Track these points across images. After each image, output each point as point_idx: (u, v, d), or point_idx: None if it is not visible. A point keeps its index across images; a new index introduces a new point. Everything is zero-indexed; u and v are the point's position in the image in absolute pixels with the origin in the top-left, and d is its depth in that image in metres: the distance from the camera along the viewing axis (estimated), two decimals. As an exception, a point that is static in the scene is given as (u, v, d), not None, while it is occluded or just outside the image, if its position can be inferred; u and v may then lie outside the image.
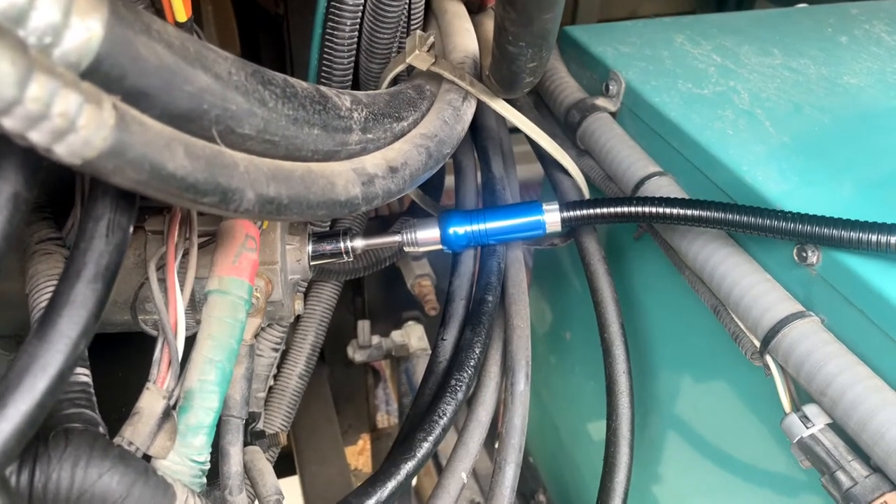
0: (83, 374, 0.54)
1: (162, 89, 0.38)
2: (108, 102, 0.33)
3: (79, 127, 0.31)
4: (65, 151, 0.32)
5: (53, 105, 0.30)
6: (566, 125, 0.96)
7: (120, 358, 0.84)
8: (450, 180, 1.03)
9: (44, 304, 0.55)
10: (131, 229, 0.43)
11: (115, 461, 0.48)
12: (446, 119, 0.66)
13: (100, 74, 0.35)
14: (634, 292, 0.96)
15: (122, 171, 0.34)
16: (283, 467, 1.42)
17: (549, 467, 1.39)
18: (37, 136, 0.31)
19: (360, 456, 1.61)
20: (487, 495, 0.71)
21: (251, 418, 0.83)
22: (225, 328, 0.57)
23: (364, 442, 1.63)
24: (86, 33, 0.33)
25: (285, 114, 0.46)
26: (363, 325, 1.45)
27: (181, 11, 0.58)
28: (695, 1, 2.08)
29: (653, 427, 0.97)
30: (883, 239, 0.59)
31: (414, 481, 1.52)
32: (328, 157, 0.53)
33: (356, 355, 1.47)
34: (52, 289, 0.56)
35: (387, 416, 1.70)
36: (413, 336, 1.47)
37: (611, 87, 0.92)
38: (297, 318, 1.13)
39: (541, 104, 1.04)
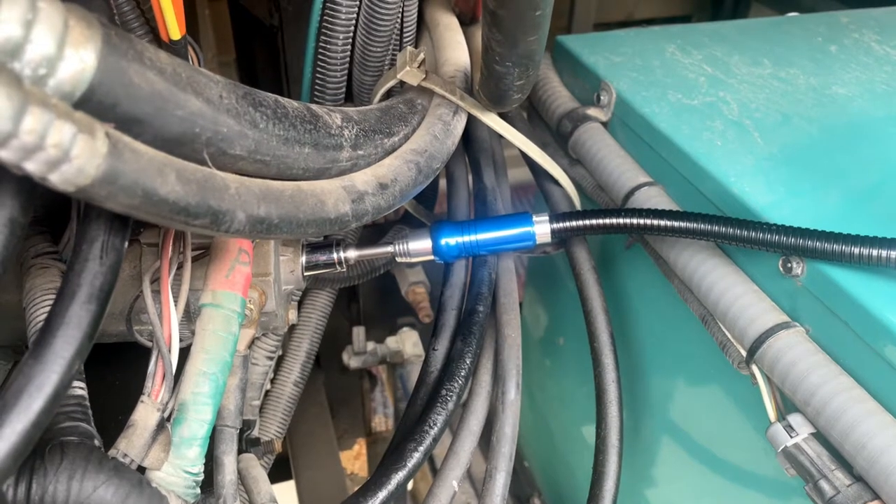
0: (79, 388, 0.55)
1: (154, 115, 0.39)
2: (101, 131, 0.34)
3: (72, 156, 0.33)
4: (59, 180, 0.33)
5: (48, 136, 0.31)
6: (558, 134, 0.97)
7: (116, 366, 0.85)
8: (444, 184, 1.04)
9: (40, 317, 0.56)
10: (125, 249, 0.44)
11: (110, 474, 0.49)
12: (436, 134, 0.67)
13: (93, 103, 0.36)
14: (626, 300, 0.97)
15: (114, 197, 0.35)
16: (279, 472, 1.43)
17: (544, 471, 1.40)
18: (32, 167, 0.32)
19: (355, 460, 1.62)
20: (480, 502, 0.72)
21: (246, 426, 0.84)
22: (218, 341, 0.58)
23: (360, 446, 1.64)
24: (79, 64, 0.34)
25: (276, 134, 0.47)
26: (358, 332, 1.46)
27: (175, 29, 0.59)
28: (691, 4, 2.08)
29: (643, 433, 0.98)
30: (865, 252, 0.60)
31: (410, 485, 1.54)
32: (319, 175, 0.54)
33: (351, 361, 1.48)
34: (48, 303, 0.57)
35: (384, 419, 1.71)
36: (408, 342, 1.48)
37: (602, 97, 0.93)
38: (293, 325, 1.14)
39: (533, 113, 1.05)
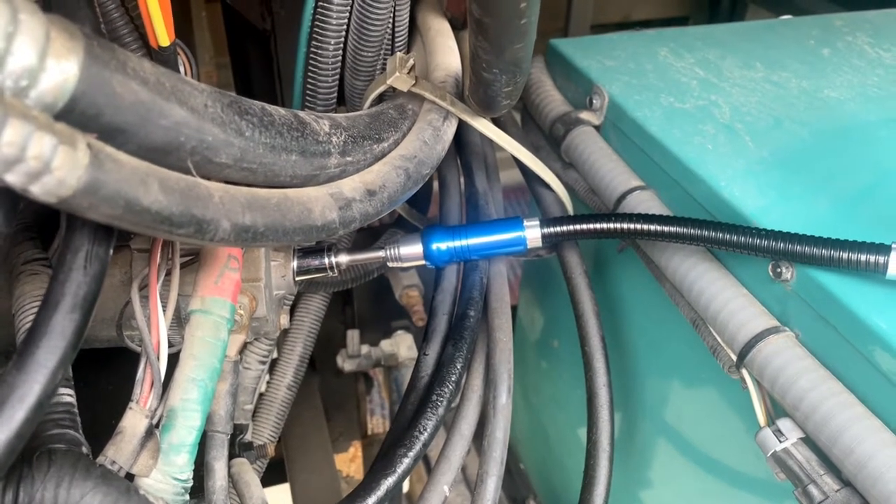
0: (67, 395, 0.55)
1: (138, 125, 0.39)
2: (83, 142, 0.34)
3: (53, 168, 0.33)
4: (40, 191, 0.33)
5: (28, 149, 0.31)
6: (551, 138, 0.97)
7: (108, 372, 0.85)
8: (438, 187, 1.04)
9: (28, 324, 0.56)
10: (109, 258, 0.44)
11: (98, 481, 0.49)
12: (426, 140, 0.67)
13: (76, 113, 0.36)
14: (619, 303, 0.97)
15: (96, 207, 0.35)
16: (274, 475, 1.44)
17: (540, 473, 1.40)
18: (12, 178, 0.32)
19: (351, 463, 1.62)
20: (471, 507, 0.73)
21: (238, 430, 0.84)
22: (207, 348, 0.58)
23: (355, 449, 1.64)
24: (61, 75, 0.35)
25: (263, 142, 0.48)
26: (352, 335, 1.46)
27: (164, 36, 0.59)
28: (688, 5, 2.08)
29: (636, 436, 0.98)
30: (854, 257, 0.60)
31: (406, 486, 1.54)
32: (307, 181, 0.54)
33: (345, 364, 1.48)
34: (36, 309, 0.57)
35: (381, 421, 1.71)
36: (402, 345, 1.48)
37: (594, 101, 0.93)
38: (286, 329, 1.14)
39: (527, 116, 1.05)
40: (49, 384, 0.38)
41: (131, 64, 0.39)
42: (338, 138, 0.57)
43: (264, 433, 1.09)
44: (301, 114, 0.54)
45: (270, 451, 0.94)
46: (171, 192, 0.39)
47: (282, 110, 0.52)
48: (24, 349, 0.39)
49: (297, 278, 0.74)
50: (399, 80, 0.69)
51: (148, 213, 0.37)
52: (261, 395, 1.12)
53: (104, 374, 0.87)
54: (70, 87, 0.35)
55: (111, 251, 0.44)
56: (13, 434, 0.36)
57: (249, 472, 0.78)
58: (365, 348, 1.49)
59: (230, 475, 0.74)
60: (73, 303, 0.40)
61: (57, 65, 0.34)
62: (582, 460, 0.76)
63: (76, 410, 0.55)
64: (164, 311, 0.57)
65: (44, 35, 0.34)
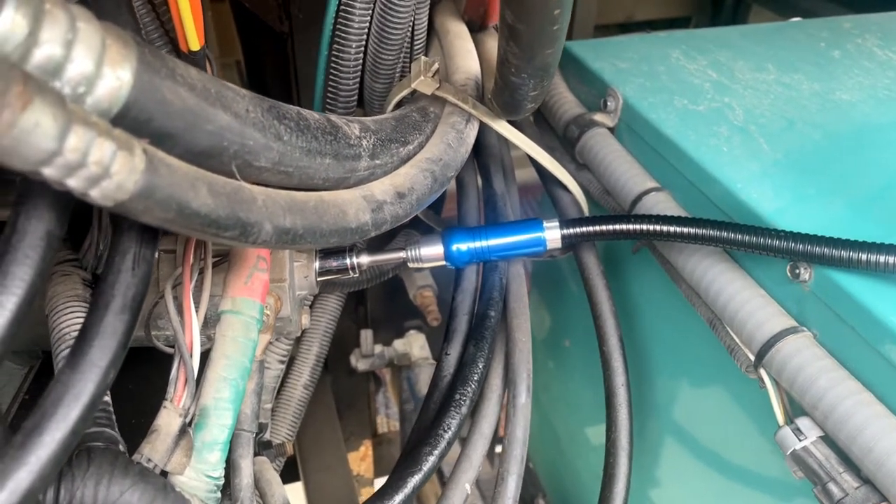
0: (103, 394, 0.55)
1: (185, 130, 0.40)
2: (139, 148, 0.35)
3: (112, 173, 0.34)
4: (99, 195, 0.34)
5: (90, 154, 0.32)
6: (565, 139, 0.98)
7: (131, 371, 0.85)
8: (452, 187, 1.05)
9: (63, 324, 0.57)
10: (155, 260, 0.45)
11: (136, 479, 0.50)
12: (450, 142, 0.68)
13: (128, 119, 0.37)
14: (634, 303, 0.98)
15: (150, 211, 0.36)
16: (288, 474, 1.44)
17: (549, 473, 1.41)
18: (74, 183, 0.33)
19: (362, 462, 1.63)
20: (490, 504, 0.74)
21: (259, 429, 0.85)
22: (238, 347, 0.59)
23: (366, 448, 1.65)
24: (116, 82, 0.35)
25: (299, 146, 0.49)
26: (366, 335, 1.47)
27: (194, 40, 0.60)
28: (690, 5, 2.09)
29: (652, 435, 0.99)
30: (872, 258, 0.61)
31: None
32: (338, 184, 0.55)
33: (359, 364, 1.49)
34: (70, 310, 0.58)
35: (386, 420, 1.72)
36: (415, 345, 1.49)
37: (609, 103, 0.94)
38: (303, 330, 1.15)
39: (540, 118, 1.06)
40: (102, 383, 0.39)
41: (179, 70, 0.40)
42: (367, 141, 0.58)
43: (282, 432, 1.10)
44: (333, 118, 0.55)
45: (289, 449, 0.95)
46: (219, 195, 0.40)
47: (315, 114, 0.52)
48: (77, 349, 0.40)
49: (319, 279, 0.75)
50: (424, 83, 0.70)
51: (197, 217, 0.38)
52: (278, 394, 1.13)
53: (126, 374, 0.88)
54: (124, 94, 0.36)
55: (156, 253, 0.45)
56: (69, 431, 0.37)
57: (270, 471, 0.79)
58: (378, 348, 1.49)
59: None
60: (123, 304, 0.41)
61: (112, 72, 0.35)
62: (591, 459, 0.77)
63: (112, 409, 0.56)
64: (196, 311, 0.58)
65: (100, 43, 0.35)
